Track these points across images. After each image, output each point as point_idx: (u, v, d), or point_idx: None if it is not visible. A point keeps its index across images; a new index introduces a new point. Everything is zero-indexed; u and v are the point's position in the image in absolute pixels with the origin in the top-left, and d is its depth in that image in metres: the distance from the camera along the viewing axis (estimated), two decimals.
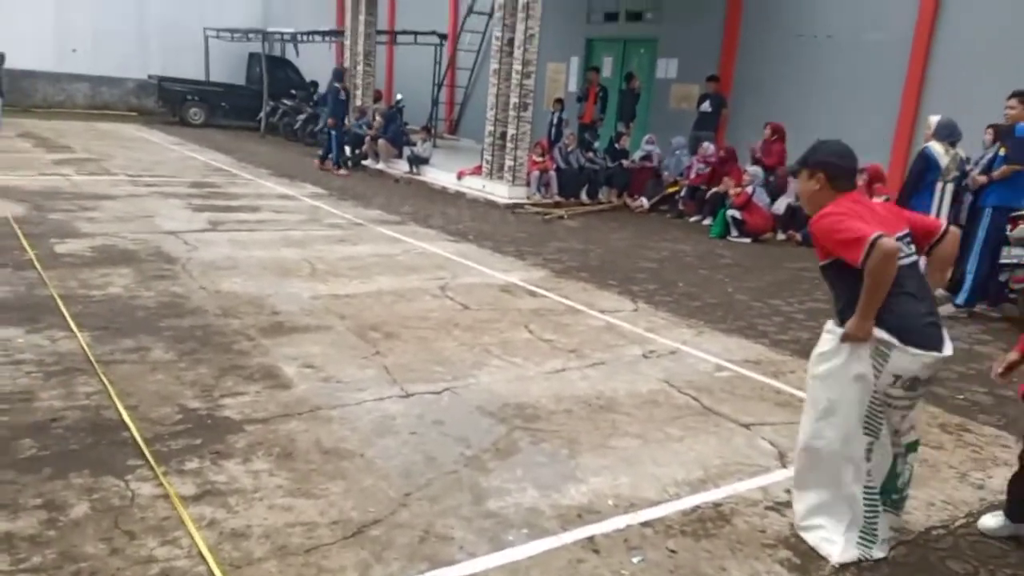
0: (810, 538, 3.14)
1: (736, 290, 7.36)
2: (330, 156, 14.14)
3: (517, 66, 11.60)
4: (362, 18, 15.32)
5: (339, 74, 14.68)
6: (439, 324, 5.61)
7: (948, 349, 2.94)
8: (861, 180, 9.59)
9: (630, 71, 14.24)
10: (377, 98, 16.48)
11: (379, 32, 16.45)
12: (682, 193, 11.65)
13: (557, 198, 11.93)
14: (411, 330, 5.41)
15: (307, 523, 2.94)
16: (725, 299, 6.97)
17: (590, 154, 12.59)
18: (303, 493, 3.16)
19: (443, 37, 17.06)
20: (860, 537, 3.06)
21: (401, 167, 14.10)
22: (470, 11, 18.32)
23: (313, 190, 11.60)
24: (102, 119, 19.94)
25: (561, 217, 10.92)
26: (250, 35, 20.88)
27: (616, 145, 12.76)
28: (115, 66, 21.25)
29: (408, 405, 4.14)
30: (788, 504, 3.38)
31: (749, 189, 10.08)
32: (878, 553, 3.06)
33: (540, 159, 12.06)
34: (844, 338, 2.92)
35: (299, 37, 20.15)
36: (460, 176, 12.80)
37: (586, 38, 16.22)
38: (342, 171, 13.88)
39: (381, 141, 14.37)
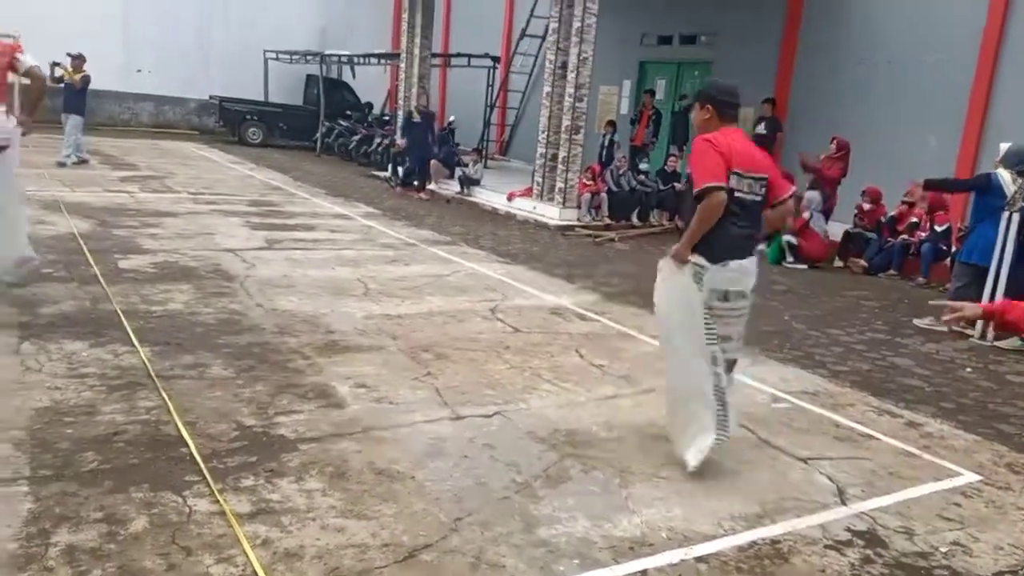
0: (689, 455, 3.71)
1: (792, 318, 7.22)
2: (402, 178, 14.40)
3: (570, 89, 11.63)
4: (418, 41, 15.56)
5: (429, 113, 14.94)
6: (489, 346, 5.61)
7: (750, 264, 3.71)
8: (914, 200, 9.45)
9: (684, 94, 14.17)
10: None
11: (434, 55, 16.69)
12: None
13: (608, 221, 11.89)
14: (462, 352, 5.42)
15: (359, 545, 2.95)
16: (781, 327, 6.84)
17: (641, 176, 12.54)
18: (355, 514, 3.16)
19: (496, 60, 17.25)
20: (719, 430, 3.67)
21: (452, 188, 14.22)
22: (523, 34, 18.51)
23: (366, 210, 11.77)
24: (165, 137, 20.58)
25: (612, 240, 10.87)
26: (308, 57, 21.38)
27: (668, 168, 12.69)
28: (178, 86, 21.95)
29: (459, 428, 4.14)
30: (849, 543, 3.28)
31: (806, 214, 9.90)
32: (732, 434, 3.74)
33: (591, 182, 12.05)
34: (672, 256, 3.74)
35: (355, 59, 20.57)
36: (510, 197, 12.85)
37: (639, 61, 16.21)
38: (422, 194, 13.84)
39: (433, 162, 14.52)
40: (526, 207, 12.45)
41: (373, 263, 8.01)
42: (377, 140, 18.28)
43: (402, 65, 16.34)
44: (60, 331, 4.99)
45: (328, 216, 10.82)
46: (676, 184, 12.38)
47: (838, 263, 10.10)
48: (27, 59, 5.63)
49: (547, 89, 12.06)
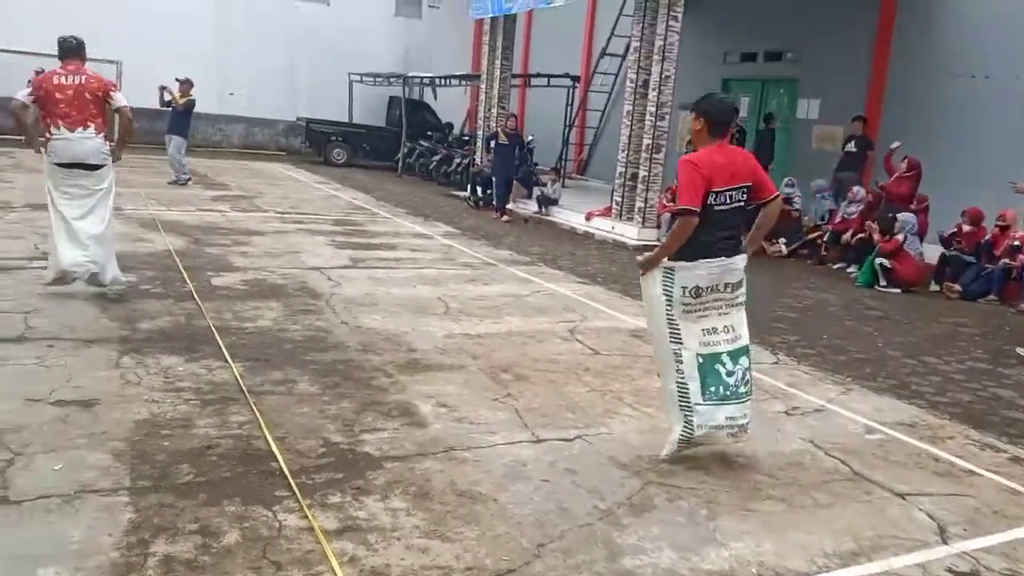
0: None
1: (887, 345, 6.93)
2: (487, 198, 14.58)
3: (651, 108, 11.56)
4: (498, 63, 15.74)
5: (516, 134, 14.75)
6: (569, 368, 5.57)
7: (727, 263, 3.94)
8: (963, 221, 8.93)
9: (770, 112, 13.89)
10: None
11: (513, 76, 16.85)
12: (825, 238, 11.17)
13: None
14: (541, 373, 5.40)
15: (443, 567, 2.95)
16: (875, 354, 6.58)
17: None
18: (439, 535, 3.17)
19: (575, 79, 17.29)
20: (684, 427, 3.99)
21: (530, 207, 14.28)
22: (603, 53, 18.52)
23: (446, 229, 11.92)
24: (254, 158, 21.34)
25: None
26: (391, 80, 21.88)
27: None
28: (267, 109, 22.76)
29: (540, 451, 4.11)
30: None
31: (900, 236, 9.53)
32: (700, 436, 4.00)
33: (671, 203, 11.90)
34: (639, 264, 4.13)
35: (437, 81, 20.95)
36: (589, 217, 12.82)
37: (722, 78, 15.99)
38: (504, 217, 13.71)
39: (513, 182, 14.61)
40: (605, 227, 12.38)
41: (453, 282, 8.09)
42: (456, 160, 18.53)
43: (482, 86, 16.55)
44: (157, 346, 5.21)
45: (409, 235, 11.00)
46: None
47: (934, 287, 9.67)
48: (118, 98, 6.16)
49: (627, 108, 12.02)
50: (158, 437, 3.83)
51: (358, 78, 22.62)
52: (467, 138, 20.65)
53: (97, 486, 3.31)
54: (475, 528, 3.26)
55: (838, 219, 11.12)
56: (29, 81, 6.57)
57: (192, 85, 14.48)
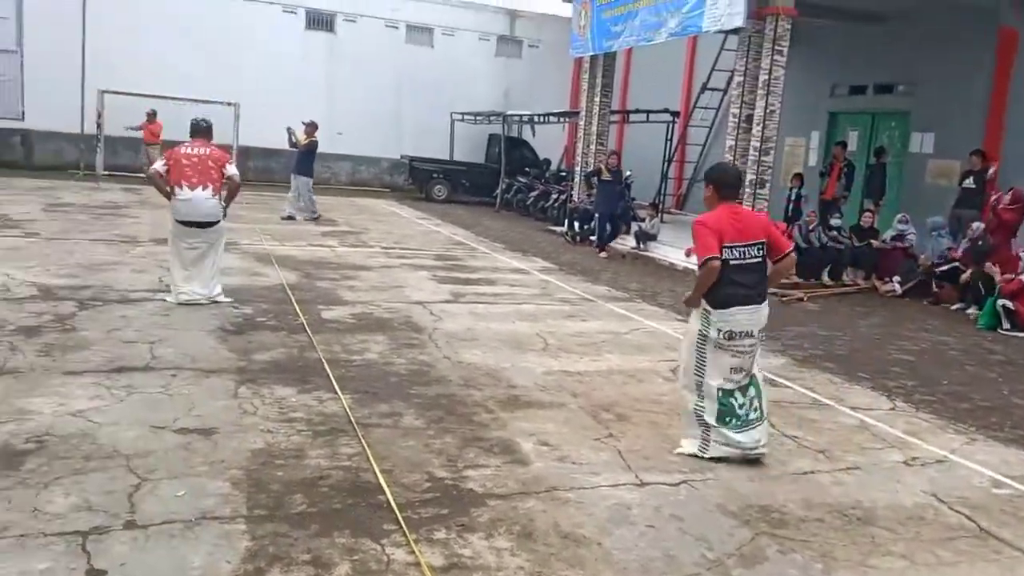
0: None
1: (1013, 392, 6.50)
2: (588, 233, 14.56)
3: (755, 143, 11.35)
4: (597, 100, 15.84)
5: (619, 171, 14.64)
6: (672, 409, 5.45)
7: (757, 312, 4.51)
8: None
9: (880, 145, 13.41)
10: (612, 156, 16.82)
11: (612, 112, 16.90)
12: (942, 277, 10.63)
13: (795, 279, 11.35)
14: (643, 413, 5.33)
15: None
16: (1000, 402, 6.17)
17: (833, 232, 11.91)
18: None
19: (675, 114, 17.17)
20: (700, 444, 4.60)
21: (628, 243, 14.19)
22: (704, 88, 18.35)
23: (543, 264, 11.98)
24: (359, 195, 22.10)
25: (800, 299, 10.37)
26: (491, 118, 22.33)
27: (863, 223, 11.98)
28: (373, 147, 23.58)
29: (644, 495, 4.04)
30: None
31: None
32: (713, 453, 4.54)
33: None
34: (684, 302, 4.79)
35: (536, 119, 21.24)
36: (689, 253, 12.48)
37: (828, 112, 15.58)
38: (603, 253, 13.68)
39: None
40: None
41: (551, 318, 8.11)
42: (554, 196, 18.65)
43: (580, 123, 16.67)
44: (272, 377, 5.42)
45: (507, 270, 11.12)
46: (873, 241, 11.66)
47: None
48: (230, 169, 7.63)
49: (730, 143, 11.84)
50: (273, 467, 3.98)
51: (459, 117, 23.20)
52: (564, 174, 20.78)
53: (216, 513, 3.45)
54: (580, 572, 3.22)
55: (958, 256, 10.58)
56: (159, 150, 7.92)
57: (316, 127, 15.33)
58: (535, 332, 7.39)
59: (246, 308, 7.36)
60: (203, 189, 7.33)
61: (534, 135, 22.66)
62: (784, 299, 10.30)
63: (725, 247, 4.41)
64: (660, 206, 15.79)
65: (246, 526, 3.36)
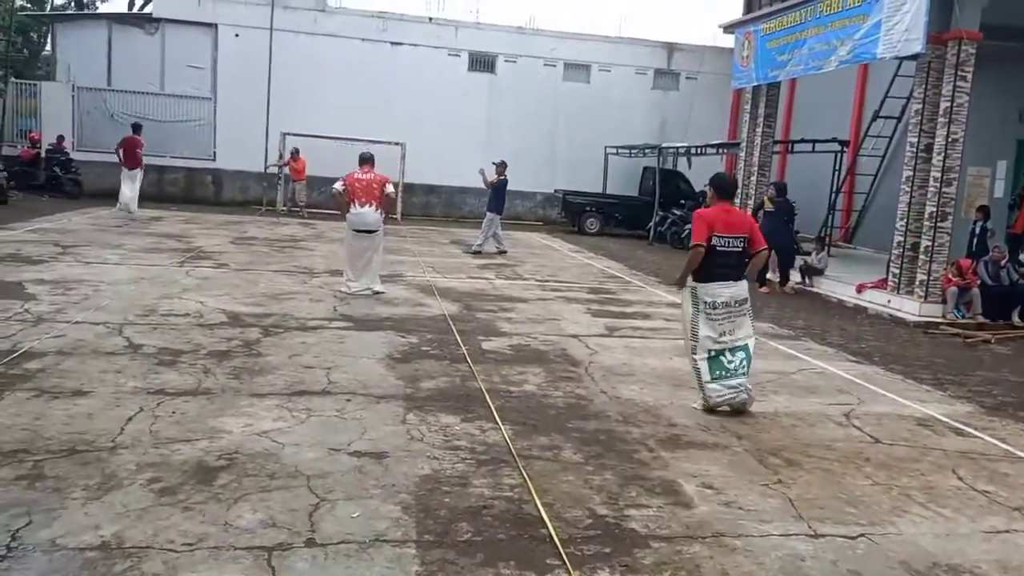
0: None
1: None
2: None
3: (935, 173, 10.63)
4: (759, 130, 15.40)
5: (783, 188, 13.59)
6: (846, 456, 5.16)
7: (734, 287, 5.86)
8: None
9: None
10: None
11: (775, 142, 16.37)
12: None
13: (981, 319, 10.45)
14: (815, 460, 5.05)
15: None
16: None
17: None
18: None
19: (844, 143, 16.38)
20: (703, 400, 5.88)
21: (793, 278, 13.59)
22: (875, 116, 17.44)
23: None
24: (514, 228, 22.52)
25: (987, 341, 9.51)
26: (646, 151, 22.23)
27: None
28: (527, 182, 24.02)
29: (818, 547, 3.81)
30: None
31: None
32: (713, 402, 5.82)
33: (957, 277, 10.73)
34: (674, 284, 6.49)
35: (693, 150, 20.92)
36: (861, 289, 11.92)
37: (1017, 139, 14.33)
38: (763, 288, 12.68)
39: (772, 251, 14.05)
40: (879, 300, 11.45)
41: None
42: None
43: (741, 154, 16.25)
44: (437, 405, 5.61)
45: (662, 305, 10.94)
46: None
47: None
48: (388, 188, 9.91)
49: (907, 173, 11.15)
50: (440, 493, 4.09)
51: (613, 151, 23.27)
52: None
53: (389, 536, 3.59)
54: None
55: None
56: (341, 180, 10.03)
57: (506, 166, 16.01)
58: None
59: (412, 337, 7.67)
60: (369, 206, 9.69)
61: (690, 167, 22.30)
62: (969, 340, 9.50)
63: (715, 235, 5.79)
64: (827, 239, 15.05)
65: (416, 551, 3.47)
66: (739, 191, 16.36)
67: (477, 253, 15.34)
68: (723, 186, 6.13)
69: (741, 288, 5.93)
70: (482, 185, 16.23)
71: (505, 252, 15.57)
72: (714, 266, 5.80)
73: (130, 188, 16.87)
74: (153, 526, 3.52)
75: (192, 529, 3.52)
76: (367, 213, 9.69)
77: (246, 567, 3.25)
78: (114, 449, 4.37)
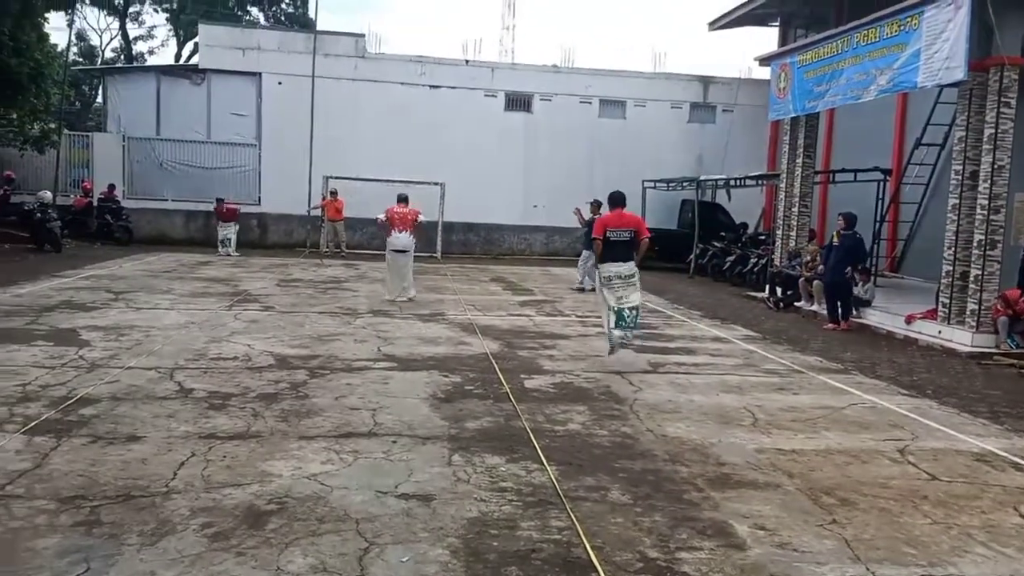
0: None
1: None
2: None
3: (982, 200, 10.43)
4: (799, 160, 15.30)
5: (851, 220, 12.67)
6: (902, 495, 5.02)
7: (623, 266, 8.54)
8: None
9: None
10: (811, 237, 16.07)
11: (815, 172, 16.23)
12: None
13: None
14: (869, 499, 4.92)
15: None
16: None
17: None
18: None
19: (886, 172, 16.16)
20: (609, 346, 8.72)
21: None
22: (918, 144, 17.19)
23: (745, 332, 11.56)
24: (552, 264, 22.63)
25: None
26: (684, 184, 22.19)
27: None
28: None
29: None
30: None
31: None
32: (614, 342, 8.67)
33: (1006, 308, 10.44)
34: (593, 265, 9.54)
35: (732, 182, 20.82)
36: (910, 320, 11.67)
37: None
38: (830, 326, 12.40)
39: (816, 282, 13.85)
40: (929, 331, 11.19)
41: (758, 391, 7.77)
42: (752, 260, 18.06)
43: (781, 184, 16.13)
44: (482, 445, 5.61)
45: (707, 339, 10.83)
46: None
47: None
48: (420, 218, 13.52)
49: (953, 201, 10.96)
50: (488, 536, 4.07)
51: (651, 184, 23.25)
52: (763, 237, 20.09)
53: None
54: None
55: None
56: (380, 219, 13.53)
57: (601, 204, 16.08)
58: (742, 405, 7.11)
59: (455, 376, 7.71)
60: (405, 232, 13.02)
61: (730, 199, 22.19)
62: None
63: (609, 231, 8.55)
64: (873, 269, 14.79)
65: None
66: (780, 221, 16.24)
67: (581, 290, 15.61)
68: (615, 199, 8.90)
69: (629, 267, 8.59)
70: (577, 224, 17.56)
71: (581, 290, 15.76)
72: (609, 252, 8.57)
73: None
74: (207, 572, 3.57)
75: (245, 575, 3.55)
76: (403, 237, 13.01)
77: None
78: (167, 494, 4.45)
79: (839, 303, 12.50)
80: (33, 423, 5.62)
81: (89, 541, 3.83)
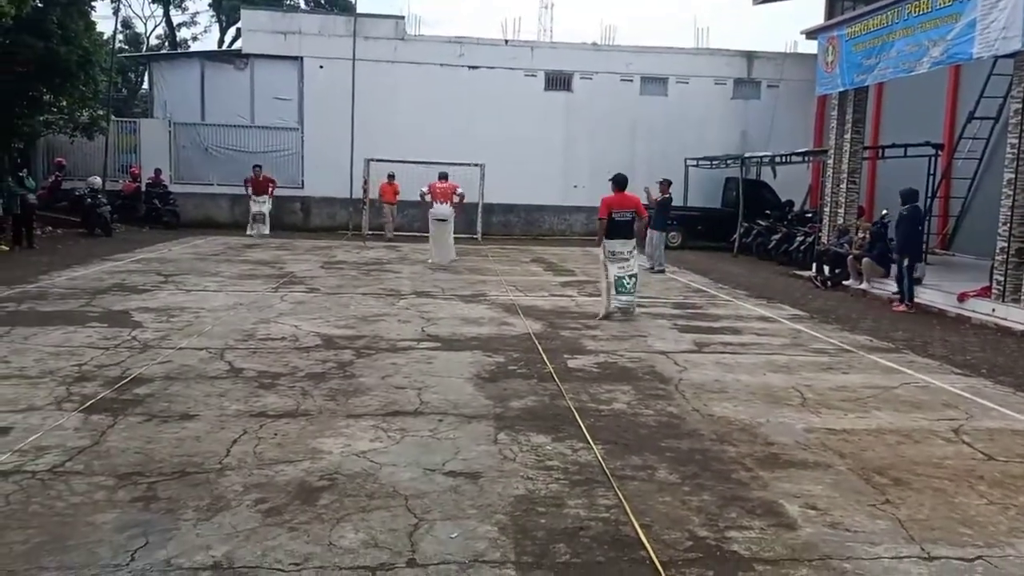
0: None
1: None
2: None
3: None
4: (848, 136, 14.95)
5: (914, 195, 12.28)
6: (957, 475, 4.91)
7: (626, 243, 10.09)
8: None
9: None
10: (859, 214, 15.72)
11: (864, 148, 15.84)
12: None
13: None
14: (923, 479, 4.82)
15: None
16: None
17: None
18: None
19: (938, 147, 15.71)
20: (604, 309, 10.08)
21: (888, 287, 13.07)
22: (971, 117, 16.69)
23: (792, 312, 11.38)
24: (593, 244, 22.40)
25: None
26: (728, 162, 21.84)
27: None
28: None
29: (932, 570, 3.64)
30: None
31: None
32: (612, 308, 10.08)
33: None
34: (597, 243, 10.63)
35: (778, 159, 20.43)
36: (963, 298, 11.36)
37: None
38: (901, 307, 11.93)
39: (865, 260, 13.57)
40: (983, 309, 10.89)
41: (806, 370, 7.65)
42: (799, 239, 17.75)
43: (829, 161, 15.79)
44: (527, 424, 5.62)
45: (752, 319, 10.69)
46: None
47: None
48: (460, 191, 15.72)
49: (1008, 175, 10.61)
50: (535, 514, 4.09)
51: (693, 163, 22.94)
52: (810, 215, 19.71)
53: (488, 557, 3.61)
54: None
55: None
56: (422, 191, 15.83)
57: (670, 184, 16.15)
58: (790, 385, 7.01)
59: (498, 356, 7.73)
60: (445, 204, 15.27)
61: (775, 176, 21.78)
62: None
63: (613, 211, 9.86)
64: (924, 247, 14.41)
65: (515, 572, 3.48)
66: (827, 198, 15.89)
67: (661, 271, 15.64)
68: (618, 181, 10.16)
69: (631, 243, 10.15)
70: (645, 201, 16.82)
71: (652, 269, 15.68)
72: (614, 230, 9.99)
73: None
74: (261, 547, 3.64)
75: (298, 549, 3.62)
76: (443, 208, 15.30)
77: None
78: (221, 471, 4.55)
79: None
80: (90, 402, 5.78)
81: (147, 516, 3.93)
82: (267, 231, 19.93)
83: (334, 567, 3.48)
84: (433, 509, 4.10)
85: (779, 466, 4.98)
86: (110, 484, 4.31)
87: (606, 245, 9.96)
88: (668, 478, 4.69)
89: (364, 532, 3.81)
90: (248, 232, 19.80)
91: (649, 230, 15.83)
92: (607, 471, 4.71)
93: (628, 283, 9.98)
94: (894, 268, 13.17)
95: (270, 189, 20.39)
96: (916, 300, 12.05)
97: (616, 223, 9.88)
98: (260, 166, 20.51)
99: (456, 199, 15.53)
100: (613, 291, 9.94)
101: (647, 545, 3.74)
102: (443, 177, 15.73)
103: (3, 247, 15.49)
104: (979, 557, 3.79)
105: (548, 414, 5.89)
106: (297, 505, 4.10)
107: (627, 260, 9.96)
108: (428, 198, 15.39)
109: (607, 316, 9.95)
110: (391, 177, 21.17)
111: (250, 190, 20.37)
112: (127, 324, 8.70)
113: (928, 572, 3.62)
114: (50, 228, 18.99)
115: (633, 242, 10.12)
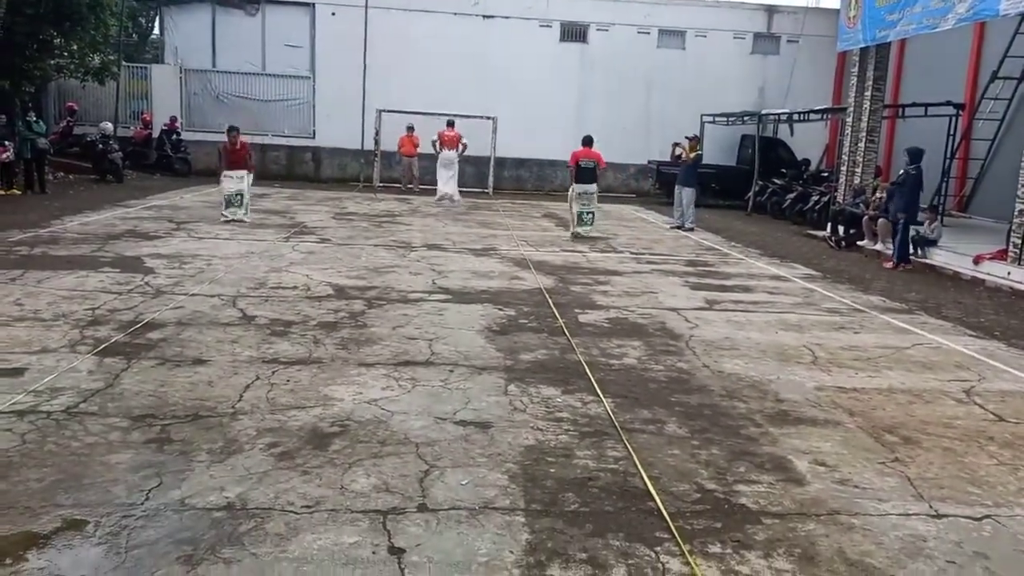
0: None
1: None
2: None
3: None
4: (868, 94, 14.68)
5: (921, 154, 12.32)
6: (967, 435, 4.91)
7: (588, 186, 13.65)
8: None
9: None
10: (877, 174, 15.52)
11: (884, 106, 15.55)
12: None
13: None
14: (933, 438, 4.83)
15: None
16: None
17: None
18: None
19: (959, 107, 15.40)
20: (570, 234, 13.81)
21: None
22: (994, 77, 16.33)
23: (805, 271, 11.31)
24: (606, 201, 22.23)
25: None
26: (745, 118, 21.50)
27: None
28: (621, 154, 23.60)
29: (941, 527, 3.66)
30: None
31: None
32: (574, 232, 13.80)
33: None
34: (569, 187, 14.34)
35: (796, 116, 20.10)
36: (978, 261, 11.25)
37: None
38: (900, 267, 11.97)
39: (881, 221, 13.42)
40: (998, 272, 10.79)
41: (818, 329, 7.62)
42: (814, 198, 17.57)
43: (848, 120, 15.52)
44: (537, 376, 5.63)
45: (765, 277, 10.63)
46: None
47: None
48: (464, 140, 18.54)
49: None
50: (545, 464, 4.12)
51: (710, 119, 22.59)
52: (826, 174, 19.47)
53: (497, 504, 3.64)
54: None
55: None
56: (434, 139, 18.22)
57: (699, 140, 15.96)
58: (801, 344, 6.99)
59: (509, 310, 7.72)
60: (453, 150, 18.07)
61: (792, 134, 21.46)
62: None
63: (580, 160, 13.52)
64: (941, 208, 14.25)
65: (525, 519, 3.51)
66: (845, 157, 15.70)
67: (691, 229, 15.62)
68: (585, 140, 13.66)
69: (592, 187, 13.52)
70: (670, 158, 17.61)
71: (692, 229, 15.64)
72: (579, 176, 13.45)
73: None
74: (274, 489, 3.68)
75: (310, 492, 3.67)
76: (451, 153, 18.14)
77: (362, 530, 3.36)
78: (234, 415, 4.59)
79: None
80: (103, 345, 5.82)
81: (160, 457, 3.98)
82: (247, 217, 13.42)
83: (346, 510, 3.52)
84: (444, 456, 4.14)
85: (788, 423, 4.98)
86: (124, 425, 4.35)
87: (575, 188, 13.50)
88: (677, 432, 4.71)
89: (376, 477, 3.85)
90: (222, 214, 13.37)
91: (680, 187, 16.05)
92: (616, 424, 4.73)
93: (587, 217, 13.54)
94: (912, 229, 13.02)
95: (250, 160, 14.10)
96: (928, 261, 11.92)
97: (582, 169, 13.48)
98: (237, 128, 14.16)
99: (460, 148, 18.42)
100: (576, 221, 13.51)
101: (655, 496, 3.77)
102: (450, 125, 18.47)
103: (15, 191, 15.50)
104: (987, 516, 3.81)
105: (558, 367, 5.90)
106: (309, 450, 4.14)
107: (589, 200, 13.48)
108: (438, 145, 18.19)
109: (573, 237, 13.44)
110: (410, 129, 20.90)
111: (223, 162, 13.82)
112: (139, 270, 8.72)
113: (936, 530, 3.64)
114: (61, 173, 18.96)
115: (594, 186, 13.58)
